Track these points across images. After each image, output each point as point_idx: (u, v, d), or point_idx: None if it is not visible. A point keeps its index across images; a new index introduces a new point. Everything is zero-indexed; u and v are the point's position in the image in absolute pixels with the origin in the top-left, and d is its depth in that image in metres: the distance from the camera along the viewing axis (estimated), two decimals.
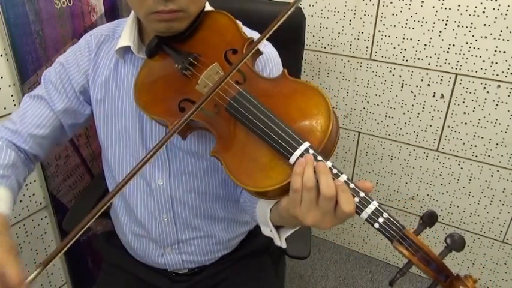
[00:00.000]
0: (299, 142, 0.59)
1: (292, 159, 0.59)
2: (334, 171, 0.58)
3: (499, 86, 1.33)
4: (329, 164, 0.58)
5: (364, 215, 0.57)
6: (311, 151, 0.59)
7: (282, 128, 0.61)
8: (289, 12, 0.69)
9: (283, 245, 0.72)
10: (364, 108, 1.60)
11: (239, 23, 0.79)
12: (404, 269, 0.58)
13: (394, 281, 0.59)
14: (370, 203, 0.57)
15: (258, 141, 0.64)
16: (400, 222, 0.58)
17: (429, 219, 0.58)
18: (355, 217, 0.58)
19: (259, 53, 0.77)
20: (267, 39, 0.86)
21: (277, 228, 0.72)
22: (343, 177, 0.58)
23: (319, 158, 0.58)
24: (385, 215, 0.57)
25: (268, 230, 0.73)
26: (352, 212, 0.57)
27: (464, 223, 1.59)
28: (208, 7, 0.83)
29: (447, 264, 0.58)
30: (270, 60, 0.83)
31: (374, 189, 1.73)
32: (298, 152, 0.59)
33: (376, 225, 0.57)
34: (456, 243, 0.57)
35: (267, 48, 0.84)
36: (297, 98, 0.66)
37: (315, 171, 0.57)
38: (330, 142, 0.61)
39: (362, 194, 0.57)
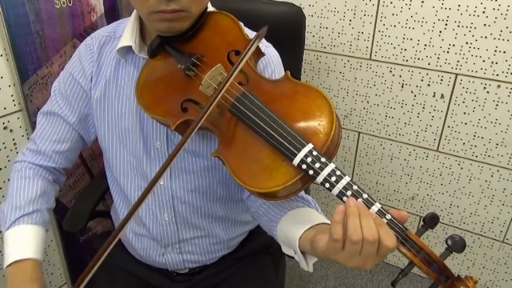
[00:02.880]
0: (302, 144, 0.59)
1: (295, 161, 0.59)
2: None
3: (499, 86, 1.33)
4: (332, 166, 0.58)
5: None
6: (314, 152, 0.59)
7: (286, 129, 0.61)
8: None
9: (311, 269, 0.70)
10: (364, 108, 1.60)
11: (242, 24, 0.79)
12: (406, 269, 0.59)
13: (396, 282, 0.59)
14: (373, 204, 0.57)
15: (261, 142, 0.64)
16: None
17: (430, 221, 0.59)
18: None
19: (261, 53, 0.77)
20: (268, 41, 0.87)
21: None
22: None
23: (323, 159, 0.58)
24: (388, 216, 0.57)
25: (291, 252, 0.71)
26: (395, 245, 0.55)
27: (464, 223, 1.59)
28: (210, 8, 0.83)
29: (447, 264, 0.58)
30: (271, 61, 0.83)
31: (374, 189, 1.73)
32: (301, 154, 0.59)
33: None
34: (457, 245, 0.58)
35: (268, 50, 0.84)
36: (300, 100, 0.66)
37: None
38: (333, 144, 0.62)
39: (365, 196, 0.57)
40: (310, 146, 0.59)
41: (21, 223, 0.81)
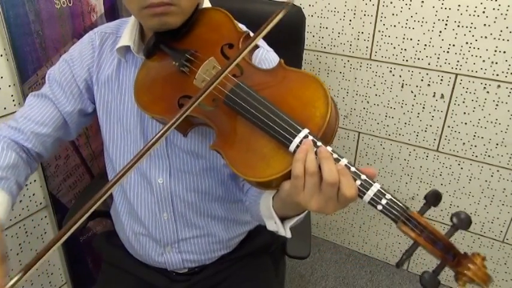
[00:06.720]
0: (298, 129, 0.59)
1: (291, 147, 0.59)
2: (335, 155, 0.58)
3: (499, 86, 1.33)
4: (329, 149, 0.58)
5: (367, 197, 0.57)
6: (310, 137, 0.58)
7: (280, 116, 0.61)
8: (283, 13, 0.69)
9: (288, 235, 0.71)
10: (364, 108, 1.60)
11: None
12: (411, 250, 0.57)
13: (401, 263, 0.58)
14: (372, 185, 0.57)
15: (257, 132, 0.64)
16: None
17: (433, 198, 0.58)
18: (357, 203, 0.57)
19: (256, 46, 0.77)
20: (267, 43, 0.87)
21: (282, 220, 0.71)
22: (344, 161, 0.58)
23: (319, 143, 0.58)
24: (388, 196, 0.57)
25: (272, 223, 0.72)
26: (354, 196, 0.56)
27: None
28: (208, 4, 0.83)
29: None
30: (269, 63, 0.82)
31: None
32: (297, 140, 0.58)
33: (380, 207, 0.56)
34: (462, 222, 0.57)
35: (270, 54, 0.84)
36: (295, 86, 0.66)
37: (316, 157, 0.57)
38: (330, 128, 0.61)
39: (364, 177, 0.57)
40: (305, 131, 0.59)
41: None
